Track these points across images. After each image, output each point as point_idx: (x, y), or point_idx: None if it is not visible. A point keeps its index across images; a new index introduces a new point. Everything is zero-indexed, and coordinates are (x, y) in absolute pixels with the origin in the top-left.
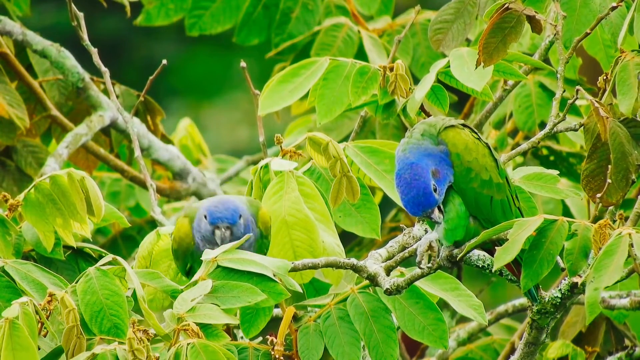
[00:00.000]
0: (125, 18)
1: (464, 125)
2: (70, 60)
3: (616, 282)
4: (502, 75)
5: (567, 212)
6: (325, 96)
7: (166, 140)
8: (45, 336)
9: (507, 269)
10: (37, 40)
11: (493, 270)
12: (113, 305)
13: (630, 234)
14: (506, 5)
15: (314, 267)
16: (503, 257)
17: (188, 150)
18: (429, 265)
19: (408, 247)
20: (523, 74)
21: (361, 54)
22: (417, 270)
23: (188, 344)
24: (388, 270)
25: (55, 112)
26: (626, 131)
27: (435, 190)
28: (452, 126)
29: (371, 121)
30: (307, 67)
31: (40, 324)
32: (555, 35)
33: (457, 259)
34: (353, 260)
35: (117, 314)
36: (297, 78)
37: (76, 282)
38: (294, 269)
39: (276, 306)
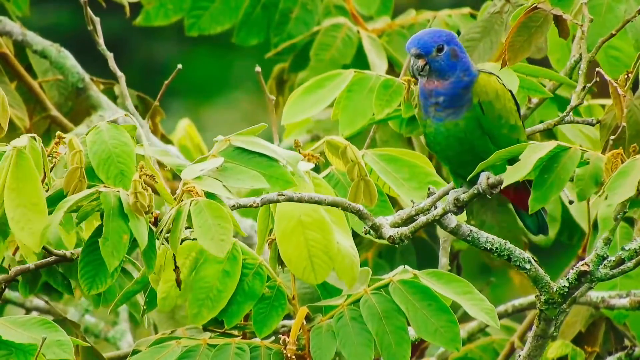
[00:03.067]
0: (124, 18)
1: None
2: (70, 60)
3: (628, 200)
4: (526, 92)
5: (566, 213)
6: (349, 108)
7: (166, 140)
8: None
9: (512, 200)
10: (36, 41)
11: (502, 187)
12: (121, 154)
13: None
14: (535, 5)
15: (319, 202)
16: (513, 174)
17: (187, 151)
18: (437, 211)
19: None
20: (549, 92)
21: (360, 55)
22: (421, 218)
23: (192, 201)
24: (393, 226)
25: (55, 112)
26: None
27: (440, 49)
28: (484, 71)
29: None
30: (332, 79)
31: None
32: (580, 37)
33: (464, 202)
34: (359, 206)
35: (125, 162)
36: (322, 89)
37: (86, 135)
38: (292, 199)
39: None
